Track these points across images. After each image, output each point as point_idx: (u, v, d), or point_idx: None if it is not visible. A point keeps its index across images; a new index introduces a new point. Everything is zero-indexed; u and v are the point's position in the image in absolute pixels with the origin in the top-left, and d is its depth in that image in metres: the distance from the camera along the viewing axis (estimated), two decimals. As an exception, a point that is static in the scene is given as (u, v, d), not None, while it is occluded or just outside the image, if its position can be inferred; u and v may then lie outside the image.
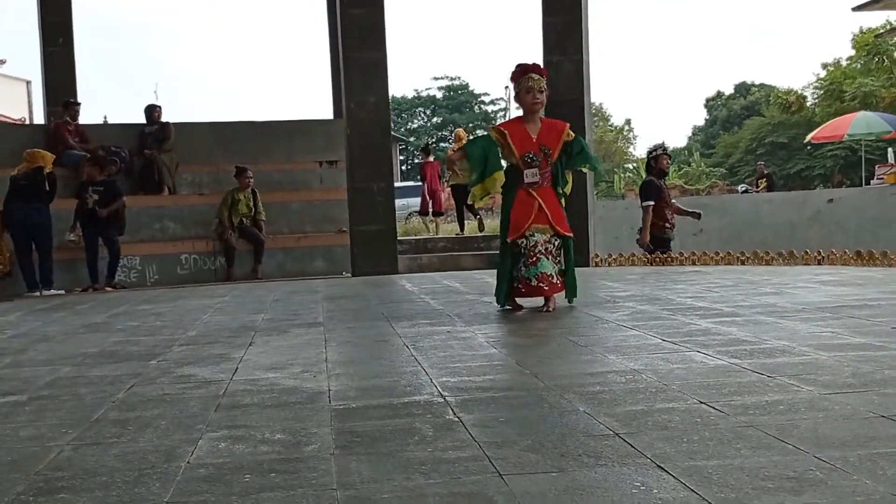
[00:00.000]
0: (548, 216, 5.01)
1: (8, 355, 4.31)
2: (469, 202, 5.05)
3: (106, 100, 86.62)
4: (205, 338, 4.63)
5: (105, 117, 23.54)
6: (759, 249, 9.59)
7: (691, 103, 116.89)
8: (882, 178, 15.88)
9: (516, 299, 5.18)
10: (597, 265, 9.68)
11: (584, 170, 5.35)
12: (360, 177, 9.50)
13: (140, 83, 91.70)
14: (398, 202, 12.01)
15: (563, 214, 5.11)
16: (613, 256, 10.16)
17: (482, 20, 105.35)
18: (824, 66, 40.83)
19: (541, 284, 4.97)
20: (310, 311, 5.77)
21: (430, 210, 15.83)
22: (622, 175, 38.01)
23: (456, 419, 2.54)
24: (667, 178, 9.91)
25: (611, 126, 54.23)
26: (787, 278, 6.47)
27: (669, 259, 9.19)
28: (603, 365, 3.31)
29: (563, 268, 5.12)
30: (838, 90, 34.75)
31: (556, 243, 5.08)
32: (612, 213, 14.91)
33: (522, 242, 5.02)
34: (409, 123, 58.66)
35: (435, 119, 57.65)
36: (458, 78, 59.37)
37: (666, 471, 1.97)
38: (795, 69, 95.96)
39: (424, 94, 58.99)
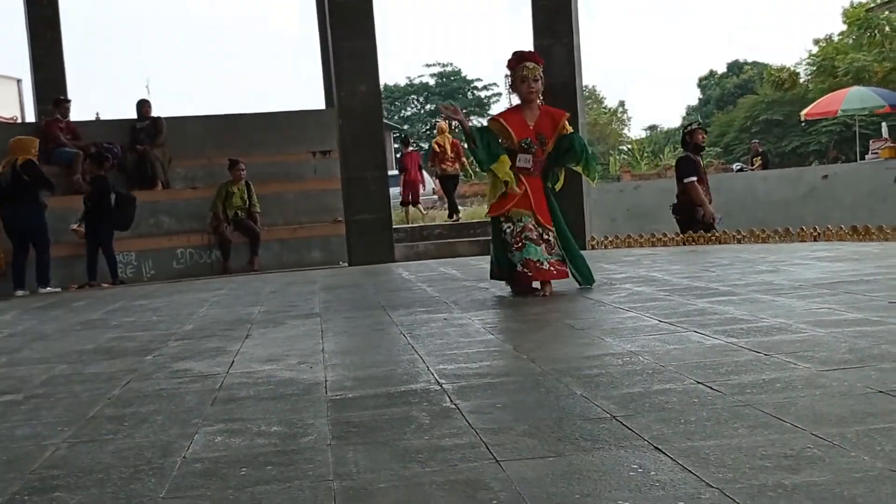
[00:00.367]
0: (531, 202, 5.00)
1: (4, 354, 4.30)
2: (504, 181, 5.12)
3: (98, 96, 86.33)
4: (201, 331, 4.61)
5: (97, 114, 23.50)
6: (755, 227, 9.57)
7: (684, 83, 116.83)
8: (877, 153, 15.81)
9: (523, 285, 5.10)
10: (593, 248, 9.66)
11: (577, 169, 5.30)
12: (354, 166, 9.47)
13: (131, 78, 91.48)
14: (393, 190, 12.00)
15: (547, 207, 5.10)
16: (609, 239, 10.14)
17: (472, 5, 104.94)
18: (816, 41, 40.71)
19: (525, 270, 4.94)
20: (306, 301, 5.76)
21: (410, 199, 16.73)
22: (617, 157, 37.97)
23: (453, 406, 2.54)
24: (703, 152, 9.52)
25: (605, 108, 54.12)
26: (783, 255, 6.46)
27: (669, 240, 9.17)
28: (600, 348, 3.30)
29: (562, 256, 5.08)
30: (831, 66, 34.61)
31: (552, 233, 5.06)
32: (608, 196, 14.89)
33: (509, 228, 5.00)
34: (403, 111, 58.45)
35: (428, 106, 57.37)
36: (450, 64, 59.09)
37: (663, 452, 1.96)
38: (787, 46, 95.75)
39: (417, 81, 58.72)
